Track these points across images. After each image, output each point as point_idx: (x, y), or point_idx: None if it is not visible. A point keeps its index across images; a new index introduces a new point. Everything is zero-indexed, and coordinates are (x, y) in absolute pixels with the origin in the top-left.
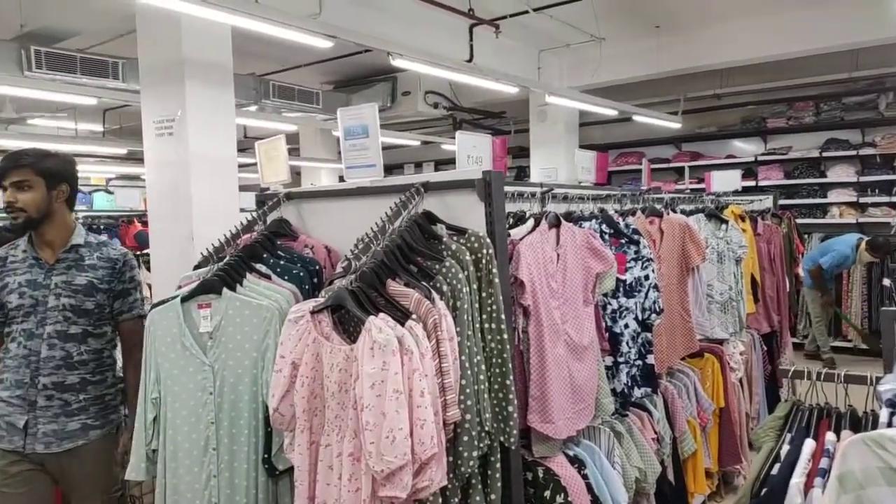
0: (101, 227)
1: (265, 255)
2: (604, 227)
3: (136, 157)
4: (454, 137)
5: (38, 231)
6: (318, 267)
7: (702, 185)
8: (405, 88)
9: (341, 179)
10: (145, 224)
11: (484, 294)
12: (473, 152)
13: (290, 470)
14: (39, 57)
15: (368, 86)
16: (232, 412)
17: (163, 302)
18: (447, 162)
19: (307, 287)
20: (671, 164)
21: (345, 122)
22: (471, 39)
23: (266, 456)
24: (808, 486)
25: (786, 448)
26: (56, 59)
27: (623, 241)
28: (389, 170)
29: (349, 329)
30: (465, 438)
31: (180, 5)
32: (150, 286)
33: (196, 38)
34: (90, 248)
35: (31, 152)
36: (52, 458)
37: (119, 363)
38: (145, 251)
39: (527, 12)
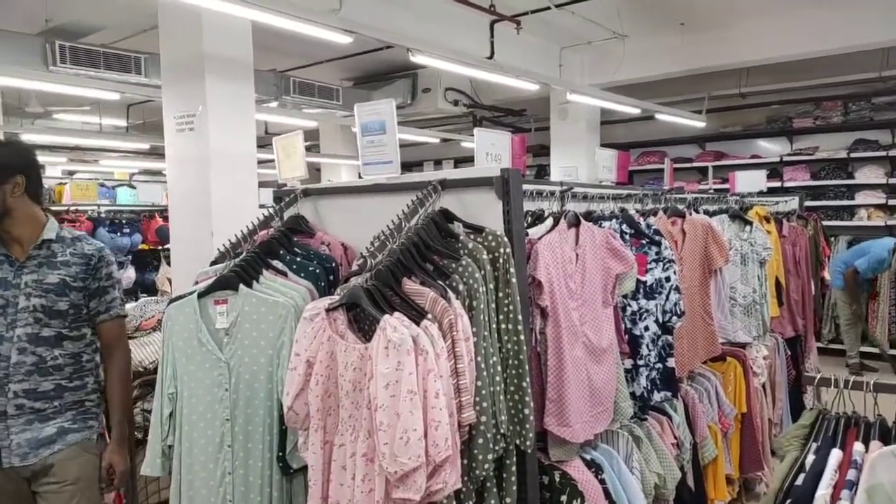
0: (124, 221)
1: (281, 252)
2: (624, 227)
3: (158, 153)
4: (474, 135)
5: (2, 228)
6: (334, 264)
7: (726, 186)
8: (425, 85)
9: (361, 176)
10: (167, 219)
11: (501, 294)
12: (492, 150)
13: (305, 468)
14: (64, 52)
15: (389, 82)
16: (247, 409)
17: (180, 297)
18: (467, 160)
19: (323, 284)
20: (694, 164)
21: (362, 118)
22: (492, 36)
23: (281, 454)
24: (834, 499)
25: (811, 458)
26: (80, 54)
27: (644, 241)
28: (409, 167)
29: (364, 328)
30: (481, 441)
31: (201, 0)
32: (170, 280)
33: (217, 33)
34: (63, 243)
35: None
36: (31, 474)
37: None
38: (166, 246)
39: (548, 8)
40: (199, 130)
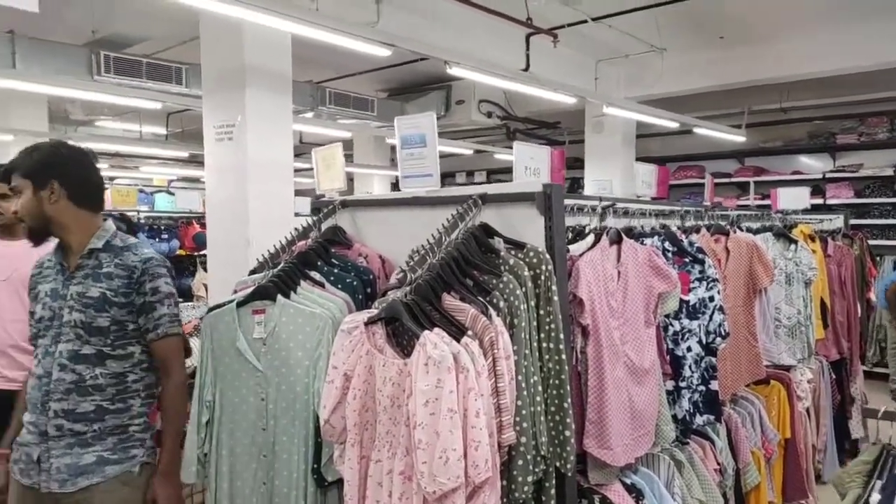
0: (163, 227)
1: (319, 263)
2: (667, 244)
3: (197, 160)
4: (507, 147)
5: (57, 237)
6: (371, 277)
7: (766, 202)
8: (459, 97)
9: (394, 186)
10: (204, 225)
11: (542, 311)
12: (531, 164)
13: (339, 482)
14: (108, 62)
15: (423, 94)
16: (283, 419)
17: (219, 305)
18: (499, 171)
19: (360, 297)
20: (733, 179)
21: (402, 131)
22: (527, 48)
23: (315, 466)
24: None
25: (875, 497)
26: (123, 64)
27: (687, 259)
28: (442, 178)
29: (402, 342)
30: (520, 462)
31: (242, 12)
32: (205, 286)
33: (257, 45)
34: (112, 253)
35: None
36: (70, 501)
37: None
38: (203, 252)
39: (585, 22)
40: (237, 140)
